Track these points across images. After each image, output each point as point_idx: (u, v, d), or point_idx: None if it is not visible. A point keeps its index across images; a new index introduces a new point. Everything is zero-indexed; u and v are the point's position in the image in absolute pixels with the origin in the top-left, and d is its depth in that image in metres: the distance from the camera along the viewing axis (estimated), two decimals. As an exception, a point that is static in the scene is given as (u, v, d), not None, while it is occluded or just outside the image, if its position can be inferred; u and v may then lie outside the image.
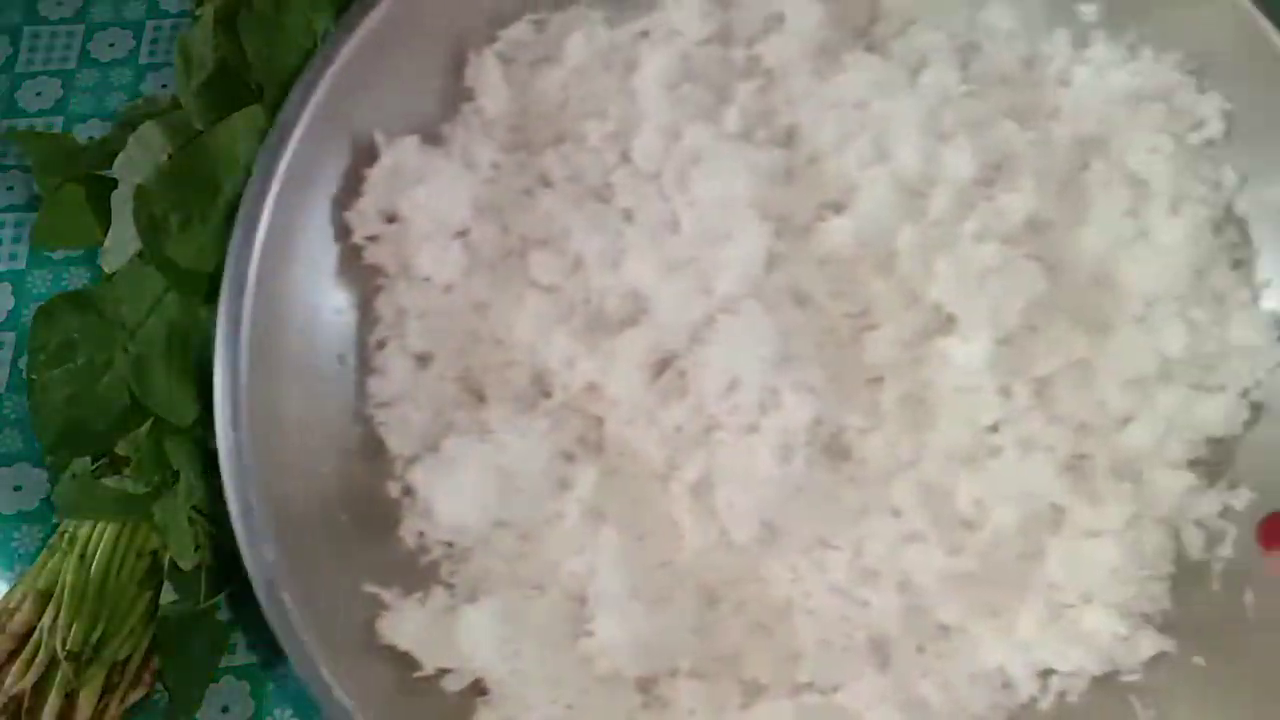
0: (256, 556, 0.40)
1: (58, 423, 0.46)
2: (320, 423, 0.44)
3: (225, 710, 0.47)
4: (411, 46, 0.45)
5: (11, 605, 0.44)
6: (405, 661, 0.41)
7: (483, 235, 0.45)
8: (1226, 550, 0.42)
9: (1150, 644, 0.41)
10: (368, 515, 0.44)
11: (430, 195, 0.44)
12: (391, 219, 0.44)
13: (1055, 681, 0.42)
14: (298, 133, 0.42)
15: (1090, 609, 0.41)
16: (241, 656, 0.49)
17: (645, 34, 0.47)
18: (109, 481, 0.45)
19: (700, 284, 0.43)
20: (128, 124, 0.47)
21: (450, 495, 0.42)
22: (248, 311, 0.42)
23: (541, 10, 0.47)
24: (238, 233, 0.42)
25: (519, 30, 0.46)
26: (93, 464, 0.46)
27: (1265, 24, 0.41)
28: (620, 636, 0.41)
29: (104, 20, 0.60)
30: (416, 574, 0.43)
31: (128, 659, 0.44)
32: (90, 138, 0.56)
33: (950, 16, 0.47)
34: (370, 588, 0.41)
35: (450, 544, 0.44)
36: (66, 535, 0.45)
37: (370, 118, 0.45)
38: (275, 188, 0.42)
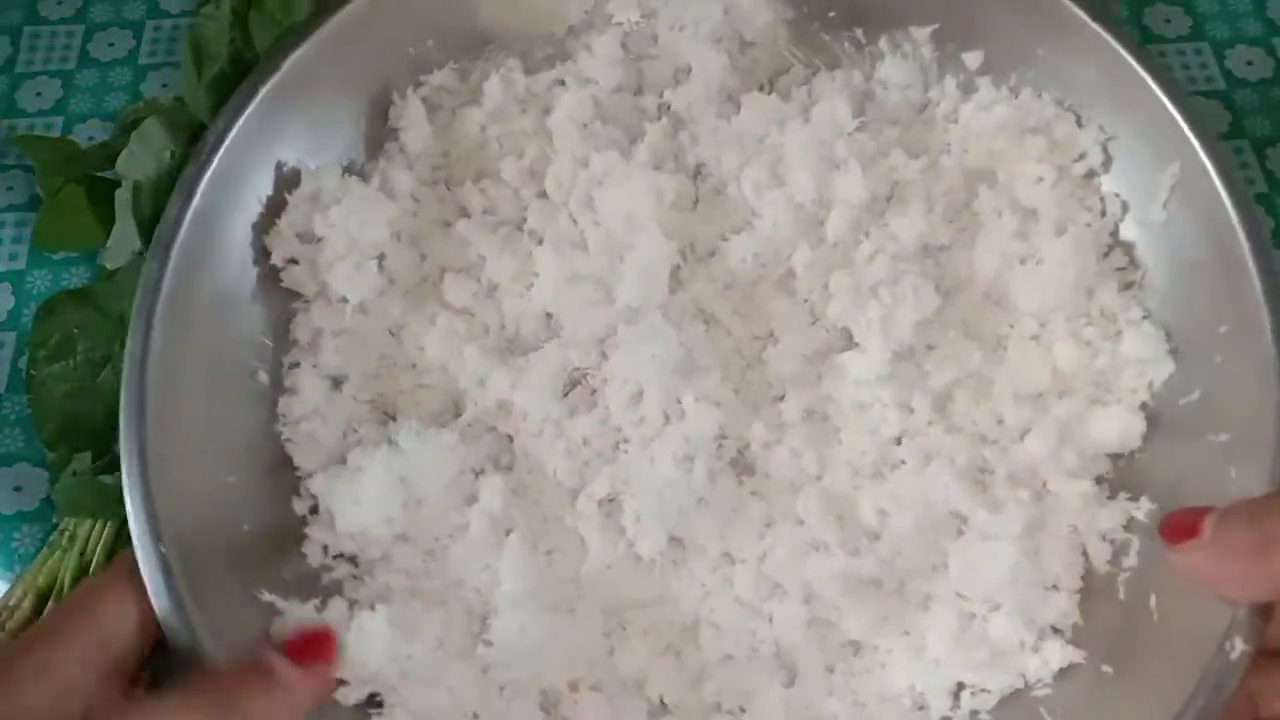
0: (151, 561, 0.39)
1: (57, 418, 0.47)
2: (228, 437, 0.44)
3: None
4: (336, 85, 0.47)
5: (12, 603, 0.43)
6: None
7: (399, 261, 0.46)
8: (1131, 561, 0.42)
9: (1060, 655, 0.41)
10: (273, 530, 0.43)
11: (346, 216, 0.45)
12: (309, 240, 0.46)
13: (966, 699, 0.41)
14: (219, 158, 0.44)
15: (997, 616, 0.41)
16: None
17: (560, 81, 0.49)
18: (109, 479, 0.45)
19: (605, 296, 0.44)
20: (129, 126, 0.48)
21: (352, 505, 0.42)
22: (159, 325, 0.42)
23: (463, 60, 0.50)
24: (154, 247, 0.43)
25: (443, 77, 0.49)
26: (93, 462, 0.46)
27: (1133, 61, 0.44)
28: (518, 643, 0.40)
29: (104, 20, 0.60)
30: (319, 590, 0.42)
31: (125, 656, 0.44)
32: (90, 138, 0.56)
33: (850, 72, 0.50)
34: (267, 596, 0.41)
35: (354, 561, 0.43)
36: (66, 533, 0.45)
37: (294, 151, 0.47)
38: (193, 208, 0.43)
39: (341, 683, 0.40)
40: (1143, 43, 0.56)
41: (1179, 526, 0.36)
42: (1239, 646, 0.36)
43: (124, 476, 0.40)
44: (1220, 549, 0.35)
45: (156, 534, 0.39)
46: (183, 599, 0.38)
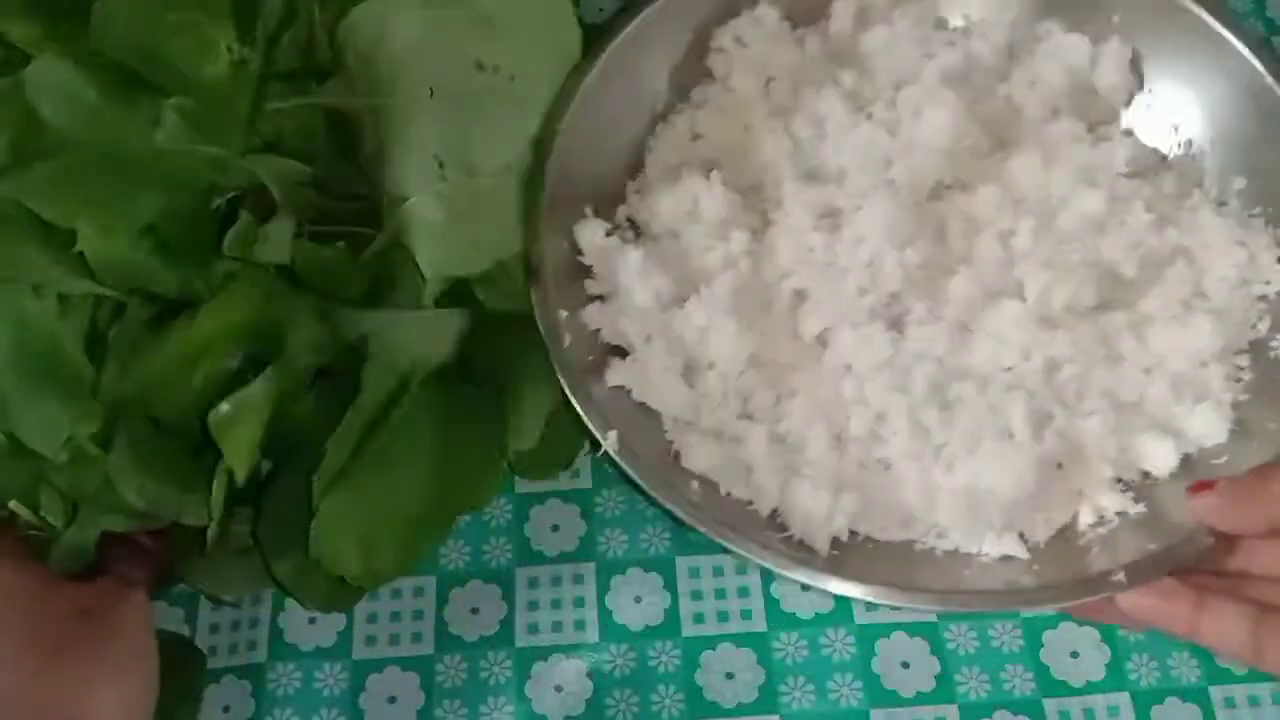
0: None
1: None
2: (616, 135, 0.66)
3: (226, 710, 0.51)
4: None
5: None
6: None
7: (778, 89, 0.67)
8: (1101, 530, 0.55)
9: (1012, 547, 0.55)
10: (609, 183, 0.65)
11: (760, 43, 0.67)
12: (740, 45, 0.68)
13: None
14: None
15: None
16: (242, 657, 0.52)
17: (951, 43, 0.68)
18: None
19: (882, 170, 0.62)
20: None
21: (662, 195, 0.63)
22: (601, 64, 0.63)
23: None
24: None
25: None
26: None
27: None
28: (728, 347, 0.59)
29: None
30: (614, 228, 0.64)
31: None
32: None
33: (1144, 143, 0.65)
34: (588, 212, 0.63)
35: (642, 225, 0.65)
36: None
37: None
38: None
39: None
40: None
41: (1201, 484, 0.51)
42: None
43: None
44: (1227, 495, 0.49)
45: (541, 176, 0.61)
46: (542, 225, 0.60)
